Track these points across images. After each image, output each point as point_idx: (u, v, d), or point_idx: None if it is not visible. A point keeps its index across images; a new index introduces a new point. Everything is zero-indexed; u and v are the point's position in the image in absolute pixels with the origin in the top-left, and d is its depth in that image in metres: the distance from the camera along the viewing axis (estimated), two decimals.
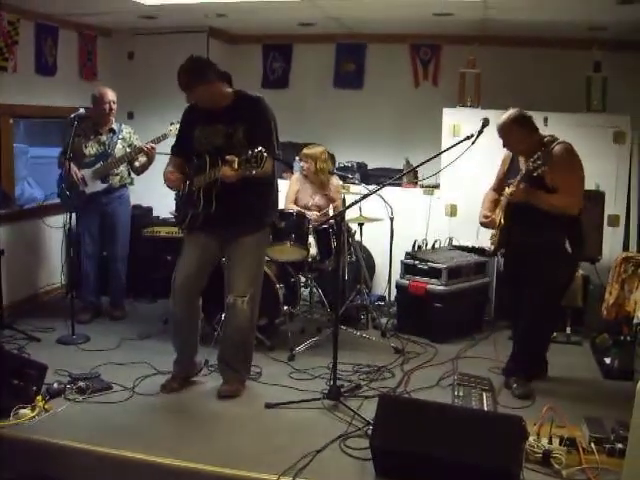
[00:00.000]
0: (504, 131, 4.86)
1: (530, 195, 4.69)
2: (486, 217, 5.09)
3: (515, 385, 4.94)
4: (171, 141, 5.11)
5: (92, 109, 6.30)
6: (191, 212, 4.68)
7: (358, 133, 7.96)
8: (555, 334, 5.77)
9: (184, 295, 4.74)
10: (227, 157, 4.31)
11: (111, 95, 6.25)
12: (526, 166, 4.66)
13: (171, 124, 5.86)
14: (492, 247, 5.11)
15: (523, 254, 4.92)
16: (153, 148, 6.13)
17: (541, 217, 4.72)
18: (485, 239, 5.90)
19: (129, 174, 6.48)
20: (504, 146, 4.96)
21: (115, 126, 6.37)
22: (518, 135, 4.82)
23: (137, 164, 6.35)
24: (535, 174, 4.56)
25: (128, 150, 6.27)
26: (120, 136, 6.35)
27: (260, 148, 4.17)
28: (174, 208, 5.02)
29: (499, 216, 4.93)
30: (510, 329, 5.79)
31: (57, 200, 6.47)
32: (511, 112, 4.86)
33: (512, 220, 4.86)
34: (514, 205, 4.78)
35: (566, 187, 4.68)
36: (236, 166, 4.24)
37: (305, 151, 6.50)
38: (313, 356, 5.55)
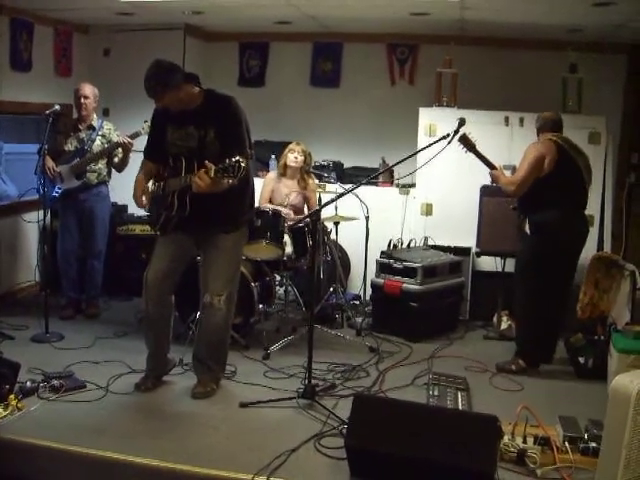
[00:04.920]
0: None
1: (491, 176, 5.40)
2: None
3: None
4: (144, 139, 5.07)
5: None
6: (165, 214, 4.64)
7: (334, 132, 7.96)
8: None
9: (156, 291, 4.68)
10: (206, 163, 4.22)
11: (87, 90, 6.20)
12: None
13: (145, 122, 5.79)
14: None
15: None
16: (130, 143, 6.07)
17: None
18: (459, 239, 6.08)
19: (109, 171, 6.41)
20: None
21: (96, 123, 6.32)
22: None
23: (116, 160, 6.29)
24: None
25: (106, 146, 6.22)
26: (100, 133, 6.28)
27: (237, 158, 4.11)
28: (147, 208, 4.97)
29: None
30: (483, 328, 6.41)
31: (33, 197, 6.40)
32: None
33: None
34: None
35: (516, 171, 5.32)
36: (212, 174, 4.18)
37: (298, 146, 6.46)
38: (288, 355, 5.54)
